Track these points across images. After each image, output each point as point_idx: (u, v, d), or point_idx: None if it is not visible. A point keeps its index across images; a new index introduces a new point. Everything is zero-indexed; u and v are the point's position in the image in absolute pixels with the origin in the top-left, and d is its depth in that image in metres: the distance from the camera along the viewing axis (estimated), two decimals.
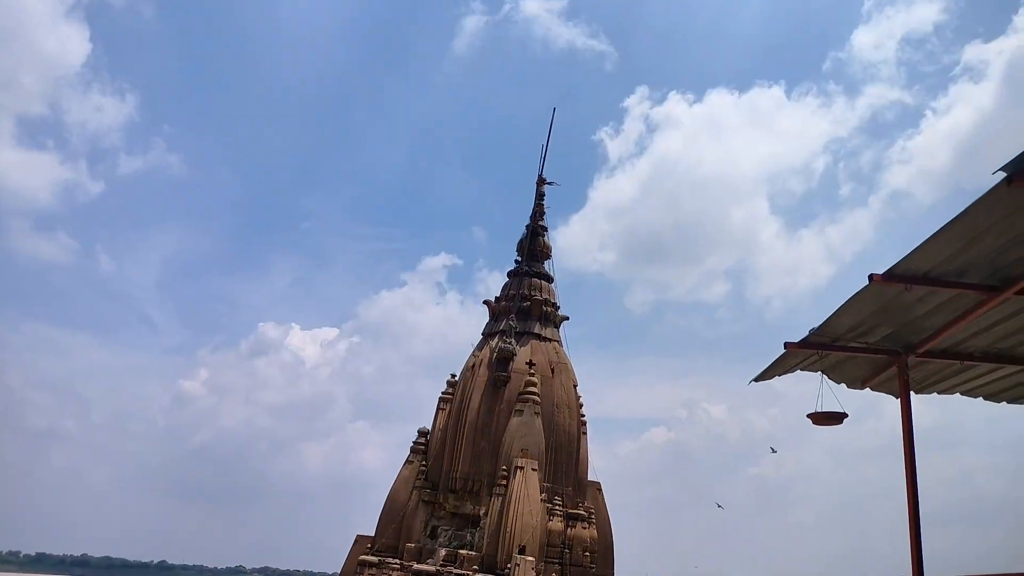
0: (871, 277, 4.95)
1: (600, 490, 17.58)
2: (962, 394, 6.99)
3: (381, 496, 16.99)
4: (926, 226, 4.43)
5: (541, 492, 15.07)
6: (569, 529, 15.52)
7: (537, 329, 17.88)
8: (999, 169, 3.80)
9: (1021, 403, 6.99)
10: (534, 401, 16.08)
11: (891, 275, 4.92)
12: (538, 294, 18.16)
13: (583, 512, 16.03)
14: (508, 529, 14.22)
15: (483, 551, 14.63)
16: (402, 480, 16.98)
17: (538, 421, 15.95)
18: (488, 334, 18.32)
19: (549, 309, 18.27)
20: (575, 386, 17.77)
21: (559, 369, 17.47)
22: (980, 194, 3.97)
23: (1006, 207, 4.05)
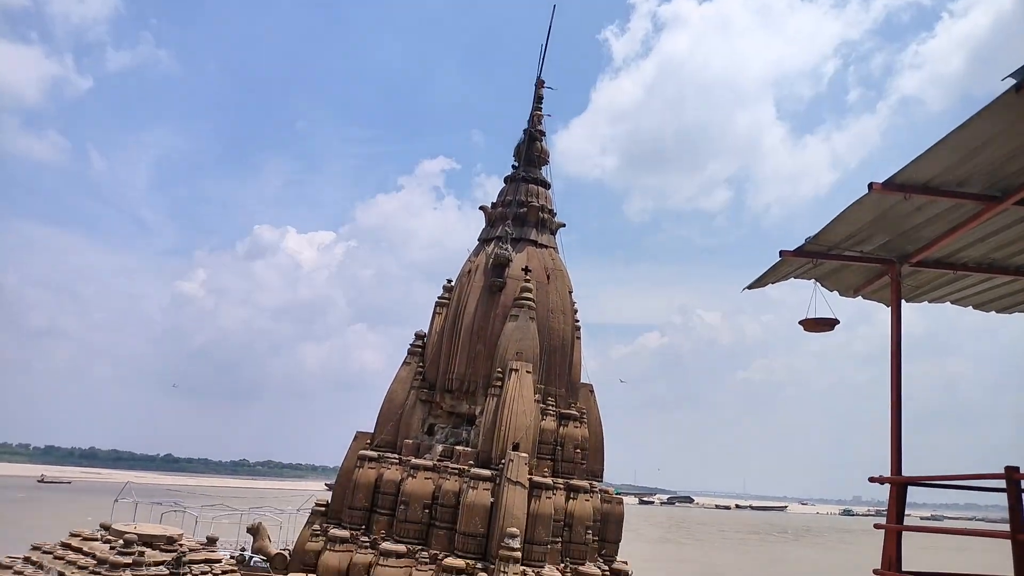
0: (871, 186, 4.94)
1: (592, 392, 18.07)
2: (952, 303, 7.11)
3: (379, 395, 17.45)
4: (934, 133, 4.39)
5: (535, 393, 15.47)
6: (561, 428, 16.03)
7: (533, 236, 17.87)
8: (1009, 75, 3.74)
9: (1009, 313, 7.12)
10: (529, 307, 16.26)
11: (891, 184, 4.91)
12: (535, 200, 18.05)
13: (575, 412, 16.52)
14: (502, 427, 14.68)
15: (478, 448, 15.15)
16: (400, 380, 17.38)
17: (533, 326, 16.19)
18: (484, 240, 18.31)
19: (546, 216, 18.21)
20: (570, 292, 17.94)
21: (554, 275, 17.59)
22: (990, 101, 3.93)
23: (1013, 115, 4.01)
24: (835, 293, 7.11)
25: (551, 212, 18.40)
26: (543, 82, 19.23)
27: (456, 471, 14.70)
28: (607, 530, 16.22)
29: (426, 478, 14.81)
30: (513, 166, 18.89)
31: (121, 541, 13.40)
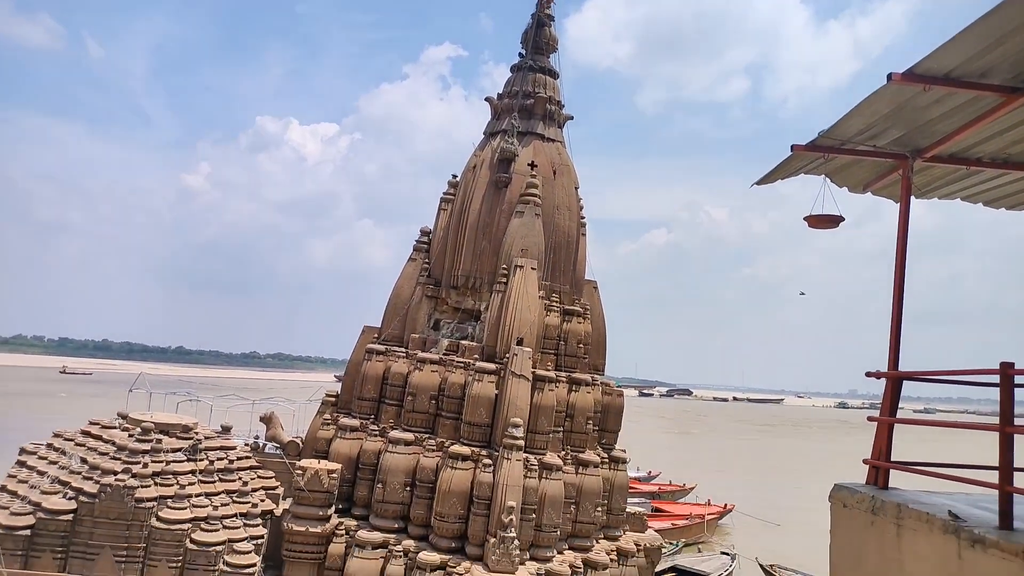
0: (890, 76, 4.78)
1: (596, 288, 18.19)
2: (963, 199, 7.02)
3: (386, 290, 17.60)
4: (963, 19, 4.19)
5: (539, 290, 15.58)
6: (565, 324, 16.25)
7: (540, 129, 17.47)
8: None
9: (1020, 210, 7.04)
10: (535, 203, 16.12)
11: (911, 74, 4.74)
12: (542, 91, 17.53)
13: (579, 308, 16.70)
14: (507, 323, 14.88)
15: (483, 342, 15.42)
16: (406, 276, 17.49)
17: (538, 222, 16.11)
18: (490, 133, 17.92)
19: (553, 107, 17.73)
20: (576, 188, 17.74)
21: (561, 171, 17.35)
22: None
23: None
24: (844, 189, 7.01)
25: (559, 104, 17.93)
26: None
27: (462, 364, 15.03)
28: (607, 420, 16.74)
29: (432, 371, 15.16)
30: (520, 54, 18.24)
31: (139, 429, 13.90)
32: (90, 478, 12.79)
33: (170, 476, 13.33)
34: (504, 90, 18.02)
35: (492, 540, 12.65)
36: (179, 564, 12.52)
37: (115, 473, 12.57)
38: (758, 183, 6.68)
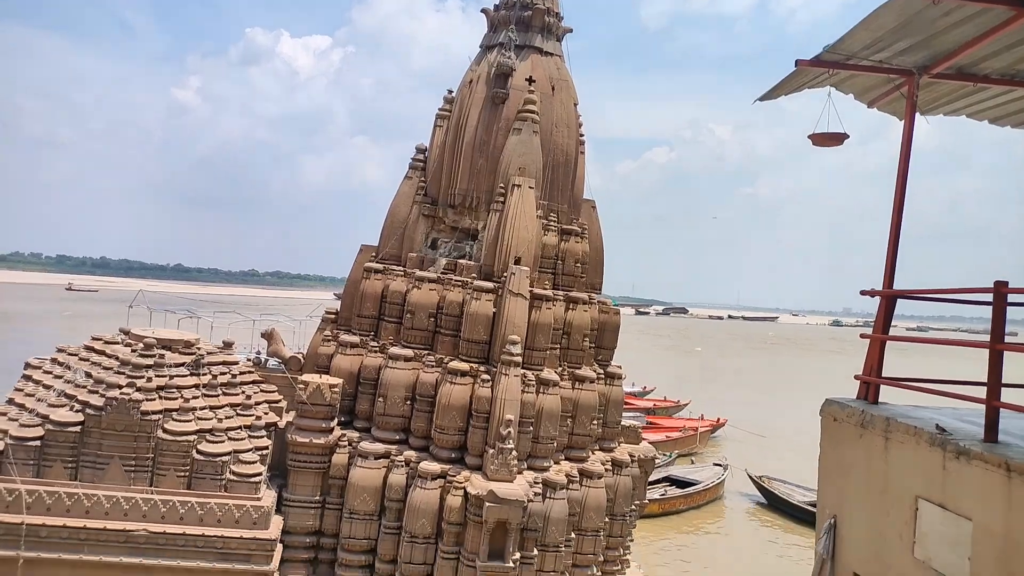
0: None
1: (594, 207, 18.08)
2: (968, 116, 6.93)
3: (383, 209, 17.48)
4: None
5: (537, 209, 15.50)
6: (562, 243, 16.25)
7: (538, 42, 16.95)
8: None
9: None
10: (533, 120, 15.82)
11: None
12: (540, 2, 16.94)
13: (576, 228, 16.65)
14: (505, 242, 14.87)
15: (481, 261, 15.45)
16: (402, 195, 17.34)
17: (536, 140, 15.86)
18: (486, 47, 17.40)
19: (552, 20, 17.16)
20: (575, 104, 17.38)
21: (560, 86, 16.96)
22: None
23: None
24: (849, 107, 6.90)
25: (557, 16, 17.36)
26: None
27: (459, 283, 15.11)
28: (603, 338, 16.97)
29: (431, 289, 15.25)
30: None
31: (141, 344, 14.08)
32: (95, 392, 13.03)
33: (174, 390, 13.59)
34: (500, 1, 17.41)
35: (491, 451, 13.04)
36: (187, 474, 12.92)
37: (120, 387, 12.81)
38: (761, 99, 6.58)
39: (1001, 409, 4.87)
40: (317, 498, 14.38)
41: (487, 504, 12.25)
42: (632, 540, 17.46)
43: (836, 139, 6.77)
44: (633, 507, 16.84)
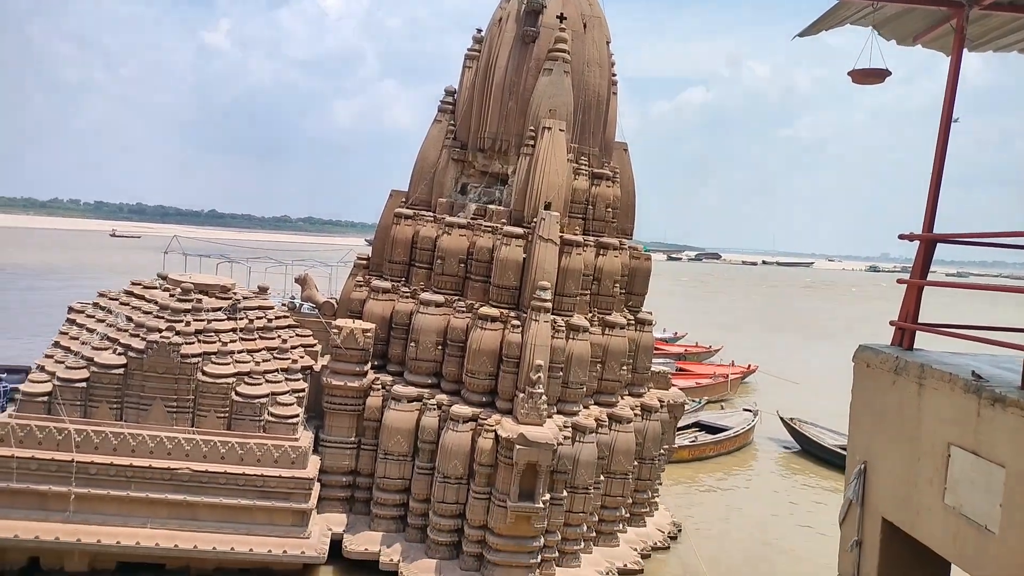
0: None
1: (626, 150, 17.77)
2: (1020, 52, 6.60)
3: (414, 153, 17.39)
4: None
5: (568, 152, 15.28)
6: (593, 187, 16.05)
7: None
8: None
9: None
10: (564, 59, 15.46)
11: None
12: None
13: (608, 172, 16.40)
14: (535, 187, 14.73)
15: (511, 207, 15.36)
16: (431, 139, 17.21)
17: (567, 81, 15.53)
18: None
19: None
20: (608, 43, 16.93)
21: (592, 23, 16.51)
22: None
23: None
24: (892, 42, 6.62)
25: None
26: None
27: (490, 228, 15.07)
28: (634, 284, 16.89)
29: (461, 235, 15.25)
30: None
31: (179, 289, 14.37)
32: (136, 335, 13.39)
33: (212, 334, 13.90)
34: None
35: (521, 396, 13.19)
36: (226, 415, 13.31)
37: (159, 331, 13.13)
38: (801, 34, 6.34)
39: None
40: (352, 439, 14.76)
41: (517, 447, 12.46)
42: (661, 484, 17.69)
43: (878, 76, 6.51)
44: (662, 452, 17.01)
